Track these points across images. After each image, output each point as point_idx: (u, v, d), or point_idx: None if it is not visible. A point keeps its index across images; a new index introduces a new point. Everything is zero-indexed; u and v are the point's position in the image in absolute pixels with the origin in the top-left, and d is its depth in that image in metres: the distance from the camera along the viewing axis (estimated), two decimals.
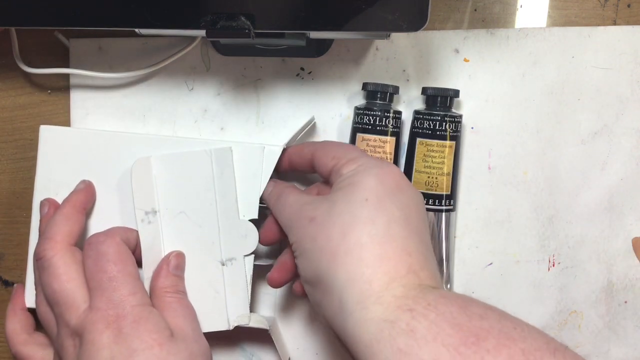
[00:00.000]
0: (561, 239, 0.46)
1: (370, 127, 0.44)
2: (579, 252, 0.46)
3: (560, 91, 0.46)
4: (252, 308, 0.46)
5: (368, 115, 0.44)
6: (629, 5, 0.46)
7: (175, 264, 0.42)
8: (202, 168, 0.43)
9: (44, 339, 0.44)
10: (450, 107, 0.44)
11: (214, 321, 0.43)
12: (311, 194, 0.40)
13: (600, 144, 0.46)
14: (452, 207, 0.45)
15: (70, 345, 0.38)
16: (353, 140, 0.45)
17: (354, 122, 0.45)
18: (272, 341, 0.46)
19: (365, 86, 0.45)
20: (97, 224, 0.44)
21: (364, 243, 0.33)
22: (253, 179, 0.43)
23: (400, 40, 0.46)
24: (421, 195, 0.38)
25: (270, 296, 0.48)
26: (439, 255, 0.45)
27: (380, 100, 0.44)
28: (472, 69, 0.46)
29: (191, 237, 0.43)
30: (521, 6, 0.46)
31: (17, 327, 0.44)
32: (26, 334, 0.44)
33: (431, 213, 0.44)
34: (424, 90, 0.45)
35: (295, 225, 0.36)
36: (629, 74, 0.46)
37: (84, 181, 0.44)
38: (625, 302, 0.47)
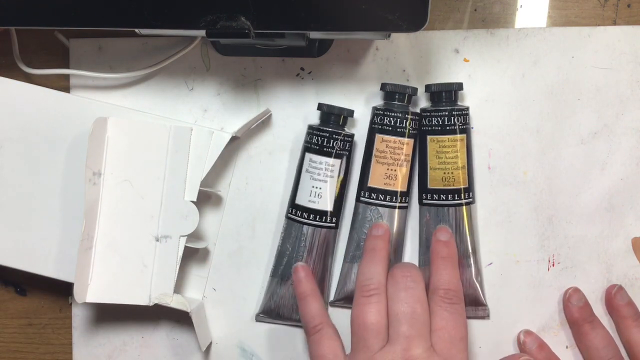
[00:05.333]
0: (561, 239, 0.46)
1: (390, 128, 0.44)
2: (579, 252, 0.46)
3: (560, 91, 0.46)
4: (180, 289, 0.47)
5: (388, 116, 0.44)
6: (629, 5, 0.46)
7: None
8: (158, 141, 0.43)
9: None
10: (455, 100, 0.44)
11: (136, 294, 0.43)
12: None
13: (600, 144, 0.46)
14: (471, 199, 0.45)
15: None
16: (371, 140, 0.44)
17: (372, 123, 0.45)
18: (275, 342, 0.46)
19: (383, 86, 0.45)
20: (38, 182, 0.45)
21: None
22: (198, 162, 0.43)
23: (400, 40, 0.46)
24: None
25: (201, 279, 0.47)
26: (466, 250, 0.45)
27: (398, 102, 0.44)
28: (472, 69, 0.46)
29: (130, 207, 0.43)
30: (521, 6, 0.46)
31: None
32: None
33: (452, 209, 0.44)
34: (428, 88, 0.45)
35: None
36: (629, 74, 0.46)
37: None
38: None
